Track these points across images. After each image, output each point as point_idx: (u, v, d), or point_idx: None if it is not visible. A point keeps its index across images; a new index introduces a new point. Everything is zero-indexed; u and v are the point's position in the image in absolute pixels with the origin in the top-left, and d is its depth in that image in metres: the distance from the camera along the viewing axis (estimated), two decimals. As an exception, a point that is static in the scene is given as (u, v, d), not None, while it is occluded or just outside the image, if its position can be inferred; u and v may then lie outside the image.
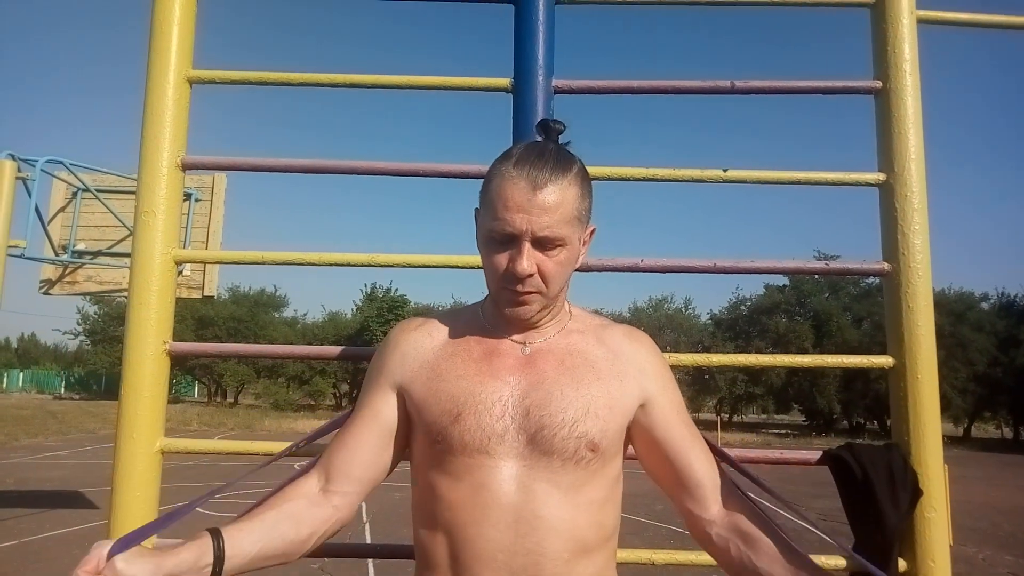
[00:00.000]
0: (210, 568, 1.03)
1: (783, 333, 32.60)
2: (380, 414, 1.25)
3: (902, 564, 1.70)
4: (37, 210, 6.72)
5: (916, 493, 1.68)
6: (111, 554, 0.95)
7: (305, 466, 1.28)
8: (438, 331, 1.28)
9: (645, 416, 1.24)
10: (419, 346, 1.26)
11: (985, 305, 32.17)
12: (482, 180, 1.23)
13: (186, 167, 1.88)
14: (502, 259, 1.15)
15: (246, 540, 1.09)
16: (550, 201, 1.12)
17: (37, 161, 6.64)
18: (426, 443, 1.19)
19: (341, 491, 1.22)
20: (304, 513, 1.18)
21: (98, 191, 6.90)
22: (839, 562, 1.76)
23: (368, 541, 7.64)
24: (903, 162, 1.82)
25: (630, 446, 1.30)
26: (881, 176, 1.84)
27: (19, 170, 6.60)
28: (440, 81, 1.96)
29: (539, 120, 1.31)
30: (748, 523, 1.21)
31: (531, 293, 1.16)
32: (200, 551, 1.03)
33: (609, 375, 1.21)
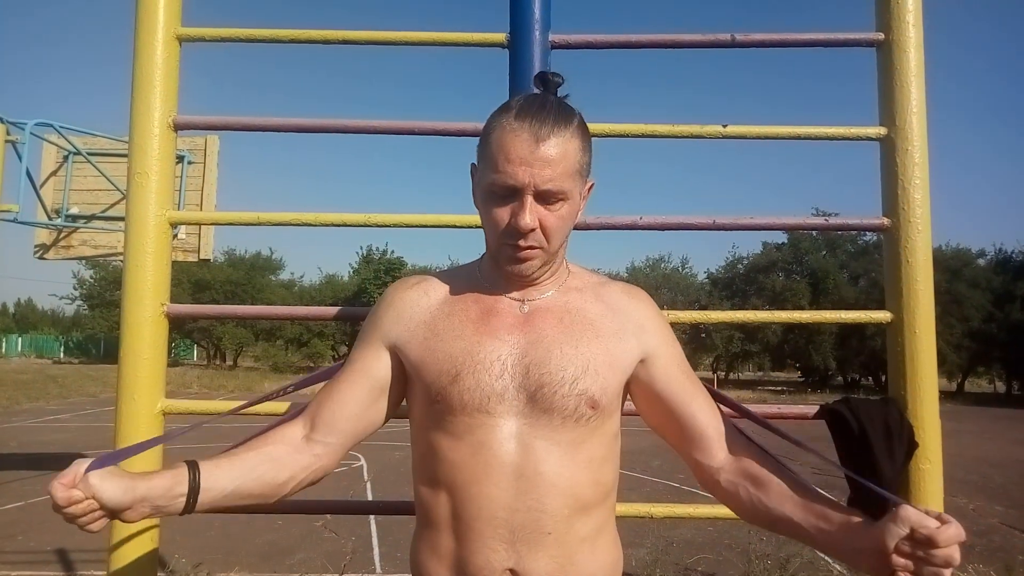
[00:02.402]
0: (183, 498, 1.06)
1: (780, 291, 32.64)
2: (371, 370, 1.24)
3: (896, 515, 1.73)
4: (28, 174, 6.64)
5: (912, 446, 1.70)
6: (88, 471, 1.00)
7: (290, 413, 1.29)
8: (435, 290, 1.27)
9: (646, 371, 1.24)
10: (415, 305, 1.25)
11: (982, 261, 32.19)
12: (479, 138, 1.20)
13: (178, 127, 1.85)
14: (503, 213, 1.13)
15: (224, 476, 1.11)
16: (553, 154, 1.10)
17: (26, 124, 6.54)
18: (426, 403, 1.19)
19: (324, 441, 1.22)
20: (285, 458, 1.20)
21: (90, 154, 6.81)
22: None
23: (370, 498, 7.76)
24: (904, 116, 1.80)
25: (627, 402, 1.31)
26: (882, 130, 1.83)
27: (8, 133, 6.51)
28: (435, 37, 1.93)
29: (537, 73, 1.27)
30: (755, 465, 1.21)
31: (533, 248, 1.15)
32: (175, 480, 1.06)
33: (608, 332, 1.20)
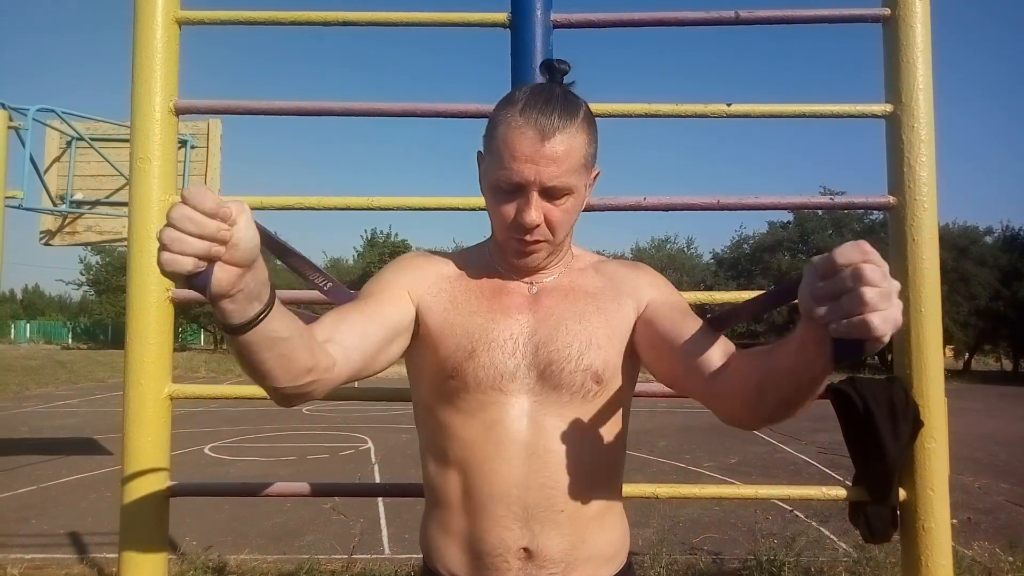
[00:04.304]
0: (261, 305, 0.89)
1: (785, 271, 32.51)
2: (387, 312, 1.17)
3: (902, 493, 1.74)
4: (32, 160, 6.64)
5: (917, 425, 1.70)
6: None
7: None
8: (451, 263, 1.28)
9: (644, 320, 1.19)
10: (438, 272, 1.25)
11: (989, 239, 31.99)
12: (480, 120, 1.20)
13: (179, 112, 1.85)
14: (509, 209, 1.14)
15: (286, 320, 0.96)
16: (559, 151, 1.10)
17: (28, 110, 6.53)
18: (439, 379, 1.19)
19: (343, 351, 1.10)
20: (316, 347, 1.04)
21: (92, 139, 6.80)
22: (839, 492, 1.80)
23: (377, 480, 7.82)
24: (911, 92, 1.78)
25: (636, 383, 1.31)
26: (888, 107, 1.81)
27: (11, 119, 6.50)
28: (436, 17, 1.92)
29: (543, 61, 1.27)
30: (749, 353, 1.07)
31: (538, 242, 1.16)
32: (268, 283, 0.90)
33: (607, 301, 1.21)
